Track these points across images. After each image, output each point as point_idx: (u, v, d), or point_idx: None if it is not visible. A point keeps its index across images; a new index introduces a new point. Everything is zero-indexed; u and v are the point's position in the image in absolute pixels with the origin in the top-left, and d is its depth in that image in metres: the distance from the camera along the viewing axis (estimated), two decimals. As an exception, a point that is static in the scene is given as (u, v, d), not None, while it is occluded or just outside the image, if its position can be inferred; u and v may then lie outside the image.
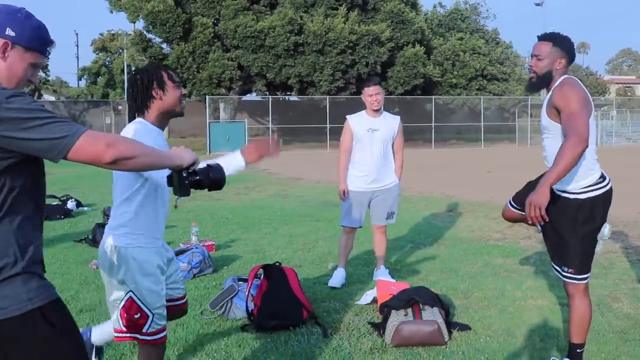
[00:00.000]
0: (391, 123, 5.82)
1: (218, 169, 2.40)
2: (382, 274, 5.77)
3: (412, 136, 36.28)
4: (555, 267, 3.64)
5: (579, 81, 3.46)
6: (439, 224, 9.22)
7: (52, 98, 62.64)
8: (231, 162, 2.91)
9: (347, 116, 5.92)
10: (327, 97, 33.23)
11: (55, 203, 10.48)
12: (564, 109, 3.29)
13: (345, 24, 31.67)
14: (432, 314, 4.24)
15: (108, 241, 3.06)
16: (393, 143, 5.86)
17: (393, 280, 5.28)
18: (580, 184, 3.45)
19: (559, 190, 3.56)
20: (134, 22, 36.27)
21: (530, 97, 36.24)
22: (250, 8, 32.62)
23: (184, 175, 2.32)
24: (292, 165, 21.10)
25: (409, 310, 4.30)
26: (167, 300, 3.27)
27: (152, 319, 3.06)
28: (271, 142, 3.01)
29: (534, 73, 3.54)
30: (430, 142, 34.49)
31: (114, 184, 3.08)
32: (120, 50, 59.41)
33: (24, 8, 2.10)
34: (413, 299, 4.33)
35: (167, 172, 2.41)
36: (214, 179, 2.37)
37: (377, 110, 5.74)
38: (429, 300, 4.35)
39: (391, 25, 32.68)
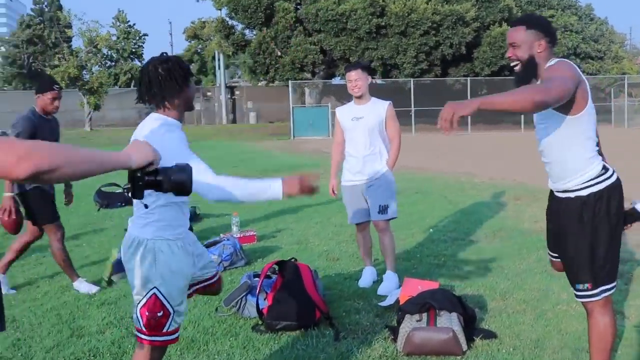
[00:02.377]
0: (378, 109, 5.32)
1: (182, 169, 2.08)
2: (386, 279, 5.28)
3: (501, 118, 34.97)
4: (574, 292, 3.14)
5: (575, 65, 3.01)
6: (502, 213, 8.65)
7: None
8: (268, 188, 2.67)
9: (336, 108, 5.60)
10: (412, 79, 32.53)
11: (118, 191, 10.57)
12: (550, 76, 2.88)
13: (428, 4, 30.87)
14: (448, 321, 3.84)
15: (132, 233, 2.89)
16: (386, 130, 5.36)
17: (397, 289, 4.83)
18: (581, 178, 3.01)
19: (558, 192, 3.13)
20: (220, 9, 36.75)
21: (628, 75, 34.06)
22: (332, -9, 32.27)
23: (138, 175, 2.05)
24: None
25: (424, 315, 3.91)
26: (197, 283, 3.16)
27: (172, 317, 2.88)
28: (313, 179, 2.71)
29: (517, 62, 3.10)
30: (520, 124, 33.18)
31: None
32: (211, 38, 60.65)
33: None
34: (428, 303, 3.94)
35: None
36: (175, 181, 2.06)
37: (360, 97, 5.29)
38: (447, 304, 3.94)
39: (476, 4, 31.57)
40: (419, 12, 30.34)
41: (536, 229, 7.50)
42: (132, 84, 58.91)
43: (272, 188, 2.67)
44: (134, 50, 64.80)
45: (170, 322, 2.88)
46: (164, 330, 2.87)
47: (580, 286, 3.04)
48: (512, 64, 3.14)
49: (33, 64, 58.47)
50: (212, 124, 44.53)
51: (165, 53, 2.94)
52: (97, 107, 38.73)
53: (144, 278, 2.84)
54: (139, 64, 60.53)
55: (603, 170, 3.03)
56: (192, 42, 68.31)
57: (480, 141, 25.94)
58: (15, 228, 5.27)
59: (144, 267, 2.84)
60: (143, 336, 2.88)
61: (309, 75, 34.54)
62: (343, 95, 39.75)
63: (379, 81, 37.86)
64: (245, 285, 4.64)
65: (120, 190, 10.79)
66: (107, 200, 9.99)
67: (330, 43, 31.99)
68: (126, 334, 4.33)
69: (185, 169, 2.08)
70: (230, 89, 48.98)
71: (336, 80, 39.47)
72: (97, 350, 4.07)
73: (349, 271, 5.80)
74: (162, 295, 2.84)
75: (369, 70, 5.45)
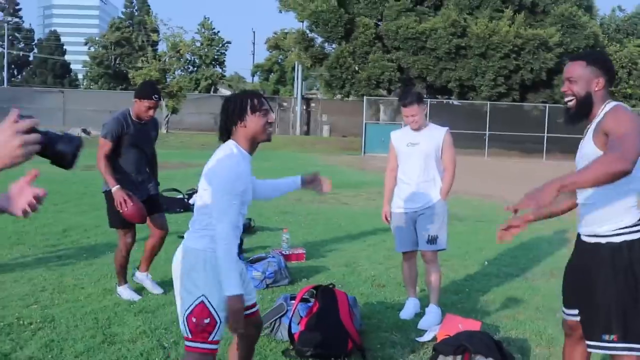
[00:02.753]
0: (435, 135, 5.14)
1: (70, 140, 1.85)
2: (428, 313, 5.10)
3: (576, 149, 33.82)
4: (593, 344, 2.91)
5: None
6: (563, 250, 8.25)
7: (228, 93, 65.93)
8: (229, 285, 2.88)
9: (392, 132, 5.43)
10: (488, 102, 31.94)
11: (179, 197, 10.71)
12: (615, 130, 2.74)
13: (510, 27, 30.25)
14: (483, 366, 3.64)
15: (185, 244, 3.06)
16: (441, 158, 5.17)
17: (437, 325, 4.63)
18: (615, 225, 2.87)
19: (587, 236, 2.96)
20: (302, 21, 37.16)
21: None
22: (414, 9, 32.13)
23: None
24: (437, 172, 20.37)
25: (458, 358, 3.73)
26: None
27: (219, 326, 2.99)
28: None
29: (572, 97, 2.98)
30: (599, 156, 32.01)
31: (199, 185, 3.10)
32: (292, 49, 61.31)
33: None
34: (463, 346, 3.74)
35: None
36: (58, 151, 1.82)
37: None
38: (483, 349, 3.73)
39: (561, 30, 30.70)
40: (500, 34, 29.75)
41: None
42: (212, 90, 60.20)
43: (229, 288, 2.86)
44: (216, 57, 66.28)
45: (217, 331, 2.98)
46: (210, 339, 2.97)
47: (607, 337, 2.84)
48: (566, 99, 3.03)
49: (119, 65, 60.57)
50: (285, 134, 44.88)
51: (247, 90, 3.29)
52: (175, 111, 39.66)
53: (192, 286, 2.98)
54: (220, 70, 61.79)
55: (639, 221, 2.88)
56: (273, 52, 69.31)
57: (556, 170, 25.14)
58: (140, 215, 5.27)
59: (193, 276, 2.98)
60: (188, 343, 3.00)
61: (384, 92, 34.37)
62: (418, 114, 39.35)
63: (455, 102, 37.36)
64: (281, 307, 4.56)
65: (180, 196, 10.92)
66: (166, 204, 10.09)
67: (408, 61, 31.76)
68: (156, 346, 4.31)
69: (72, 141, 1.86)
70: (306, 101, 49.31)
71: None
72: (125, 360, 4.06)
73: (392, 300, 5.64)
74: (210, 303, 2.95)
75: (423, 99, 5.26)
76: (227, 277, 2.87)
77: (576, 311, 3.11)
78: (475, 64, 30.81)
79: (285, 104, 49.95)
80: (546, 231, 9.64)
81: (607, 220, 2.90)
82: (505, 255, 7.82)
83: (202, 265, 2.97)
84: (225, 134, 3.11)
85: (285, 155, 26.51)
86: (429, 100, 33.23)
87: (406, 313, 5.17)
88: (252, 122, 3.03)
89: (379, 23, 32.94)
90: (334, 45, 33.90)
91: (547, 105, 32.07)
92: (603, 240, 2.90)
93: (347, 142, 37.73)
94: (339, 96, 37.67)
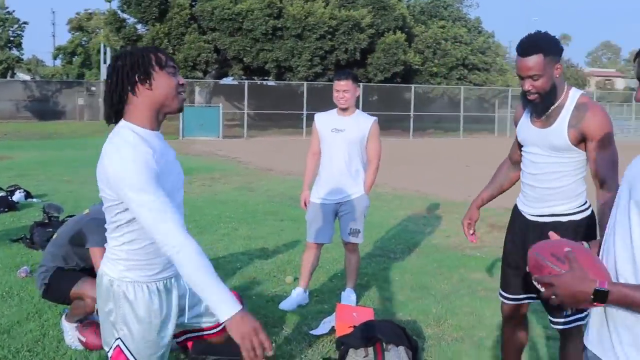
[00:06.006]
0: (362, 124, 4.96)
1: None
2: (345, 297, 5.06)
3: (391, 125, 35.58)
4: (556, 320, 3.02)
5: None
6: (412, 227, 8.54)
7: (27, 77, 61.22)
8: (219, 300, 2.12)
9: (316, 114, 5.21)
10: (305, 83, 32.41)
11: (1, 194, 9.62)
12: (603, 141, 2.82)
13: (325, 8, 30.86)
14: (396, 355, 3.57)
15: (101, 268, 2.43)
16: (366, 148, 5.03)
17: (330, 316, 4.52)
18: (573, 205, 2.99)
19: (542, 215, 3.04)
20: (110, 1, 35.25)
21: (511, 87, 35.43)
22: (228, -11, 31.61)
23: None
24: (264, 154, 20.39)
25: (370, 350, 3.62)
26: (192, 330, 2.72)
27: None
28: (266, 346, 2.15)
29: (536, 94, 2.82)
30: (409, 131, 33.87)
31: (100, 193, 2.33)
32: (97, 30, 58.06)
33: None
34: (375, 337, 3.65)
35: None
36: None
37: (346, 109, 4.95)
38: (394, 338, 3.67)
39: (372, 11, 31.87)
40: (316, 15, 30.21)
41: (451, 245, 7.42)
42: (9, 75, 55.58)
43: (221, 306, 2.12)
44: (12, 38, 61.12)
45: None
46: None
47: (569, 311, 2.98)
48: (530, 97, 2.87)
49: None
50: (95, 120, 42.47)
51: (142, 46, 2.43)
52: (-30, 98, 36.06)
53: (108, 324, 2.41)
54: (17, 53, 57.01)
55: (586, 201, 3.05)
56: (77, 33, 65.28)
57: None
58: None
59: (107, 311, 2.39)
60: None
61: (200, 75, 33.68)
62: (233, 96, 39.15)
63: (270, 83, 37.57)
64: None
65: (2, 193, 9.81)
66: (-12, 204, 9.04)
67: (224, 42, 31.29)
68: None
69: None
70: (117, 84, 47.02)
71: (227, 81, 38.75)
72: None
73: (269, 292, 5.42)
74: (127, 349, 2.38)
75: (359, 81, 5.06)
76: (212, 290, 2.11)
77: (520, 295, 3.15)
78: (292, 44, 31.10)
79: (93, 88, 47.30)
80: (391, 209, 9.92)
81: (567, 202, 2.98)
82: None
83: (113, 298, 2.36)
84: (113, 113, 2.34)
85: (98, 144, 24.98)
86: (246, 81, 33.12)
87: (288, 304, 4.96)
88: (161, 82, 2.29)
89: (194, 3, 32.12)
90: (147, 27, 32.54)
91: (361, 84, 33.27)
92: (564, 219, 2.97)
93: (162, 125, 36.48)
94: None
